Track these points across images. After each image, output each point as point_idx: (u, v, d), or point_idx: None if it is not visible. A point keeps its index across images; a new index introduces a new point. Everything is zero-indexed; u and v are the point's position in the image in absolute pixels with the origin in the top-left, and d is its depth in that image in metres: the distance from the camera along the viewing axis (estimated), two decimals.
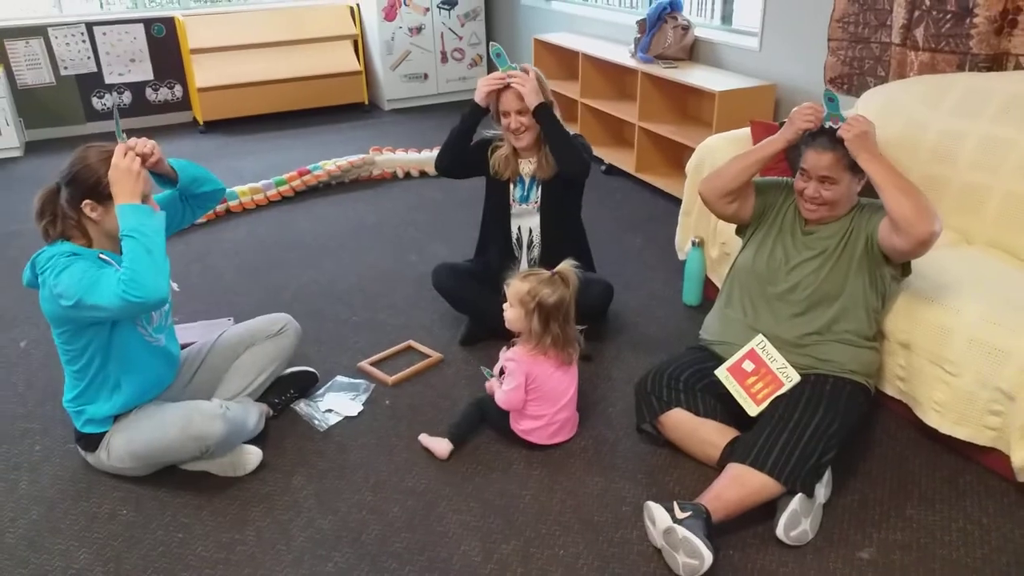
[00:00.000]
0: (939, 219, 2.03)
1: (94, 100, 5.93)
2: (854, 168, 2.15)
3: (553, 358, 2.30)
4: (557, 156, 2.72)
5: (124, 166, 1.96)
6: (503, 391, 2.32)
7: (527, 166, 2.83)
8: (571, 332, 2.32)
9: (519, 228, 2.91)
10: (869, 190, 2.17)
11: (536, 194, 2.84)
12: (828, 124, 2.14)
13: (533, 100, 2.66)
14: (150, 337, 2.23)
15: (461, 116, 2.79)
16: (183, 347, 2.49)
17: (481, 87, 2.71)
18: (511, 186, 2.86)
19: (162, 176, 2.17)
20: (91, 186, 1.99)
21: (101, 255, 2.06)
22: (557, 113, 2.72)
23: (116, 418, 2.21)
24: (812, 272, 2.23)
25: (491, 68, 6.70)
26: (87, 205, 2.01)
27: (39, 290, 2.04)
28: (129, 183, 1.96)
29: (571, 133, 2.79)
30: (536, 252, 2.91)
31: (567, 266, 2.32)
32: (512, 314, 2.33)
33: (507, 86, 2.68)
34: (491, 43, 2.79)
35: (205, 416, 2.13)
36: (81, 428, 2.22)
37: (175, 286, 2.38)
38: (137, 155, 2.00)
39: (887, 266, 2.19)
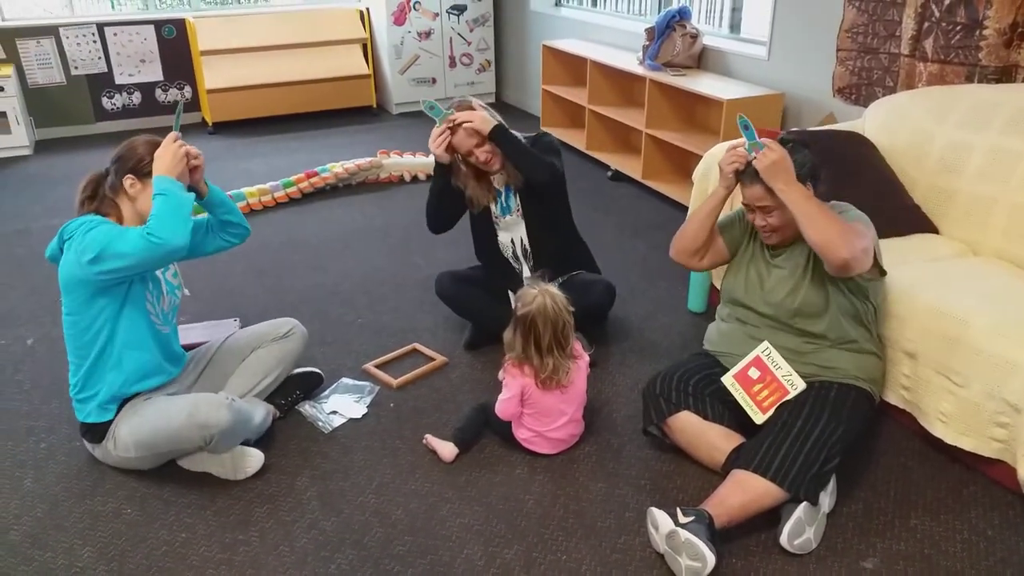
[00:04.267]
0: (851, 244, 2.00)
1: (104, 100, 5.96)
2: None
3: (531, 376, 2.27)
4: (523, 170, 2.70)
5: (171, 148, 2.12)
6: (499, 399, 2.33)
7: (498, 179, 2.82)
8: (556, 362, 2.25)
9: (511, 240, 2.90)
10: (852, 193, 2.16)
11: (515, 202, 2.84)
12: (752, 155, 2.13)
13: (487, 127, 2.64)
14: (156, 318, 2.25)
15: (433, 180, 2.78)
16: (189, 348, 2.50)
17: (435, 148, 2.66)
18: (491, 206, 2.86)
19: (194, 189, 2.26)
20: (135, 163, 2.15)
21: None
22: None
23: (120, 407, 2.22)
24: (788, 294, 2.21)
25: (500, 76, 6.72)
26: (128, 179, 2.14)
27: (61, 259, 2.13)
28: (171, 161, 2.11)
29: (537, 132, 2.81)
30: (531, 258, 2.91)
31: (554, 291, 2.27)
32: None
33: (455, 130, 2.65)
34: (422, 100, 2.72)
35: (211, 404, 2.14)
36: (85, 419, 2.23)
37: (185, 291, 2.42)
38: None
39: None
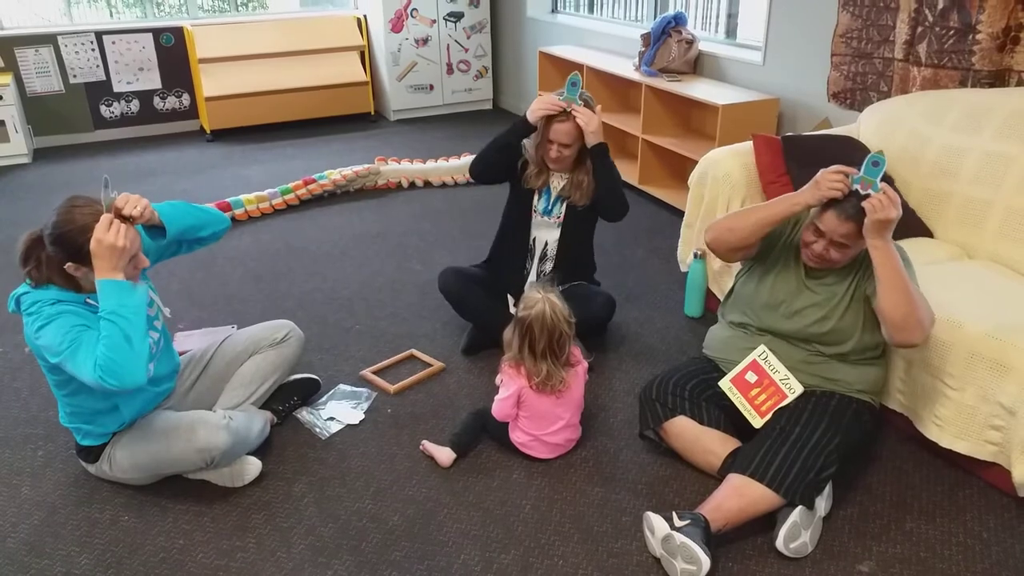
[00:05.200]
0: (926, 328, 1.99)
1: (102, 108, 5.97)
2: None
3: (525, 377, 2.28)
4: (604, 200, 2.72)
5: (108, 242, 1.87)
6: (496, 398, 2.34)
7: (557, 181, 2.83)
8: (549, 369, 2.26)
9: (534, 239, 2.91)
10: None
11: (560, 210, 2.84)
12: (857, 187, 1.96)
13: (594, 140, 2.65)
14: None
15: (510, 128, 2.76)
16: (183, 353, 2.49)
17: (538, 108, 2.65)
18: (536, 196, 2.87)
19: (152, 228, 2.08)
20: (75, 250, 1.92)
21: (88, 299, 2.01)
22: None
23: (116, 431, 2.21)
24: (817, 322, 2.16)
25: (497, 82, 6.74)
26: (70, 266, 1.96)
27: (23, 323, 2.01)
28: (111, 259, 1.88)
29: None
30: (548, 265, 2.92)
31: (556, 299, 2.27)
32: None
33: (565, 116, 2.63)
34: (573, 72, 2.69)
35: (209, 428, 2.13)
36: (81, 441, 2.22)
37: (166, 311, 2.29)
38: (125, 218, 1.91)
39: None
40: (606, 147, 2.69)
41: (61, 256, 1.95)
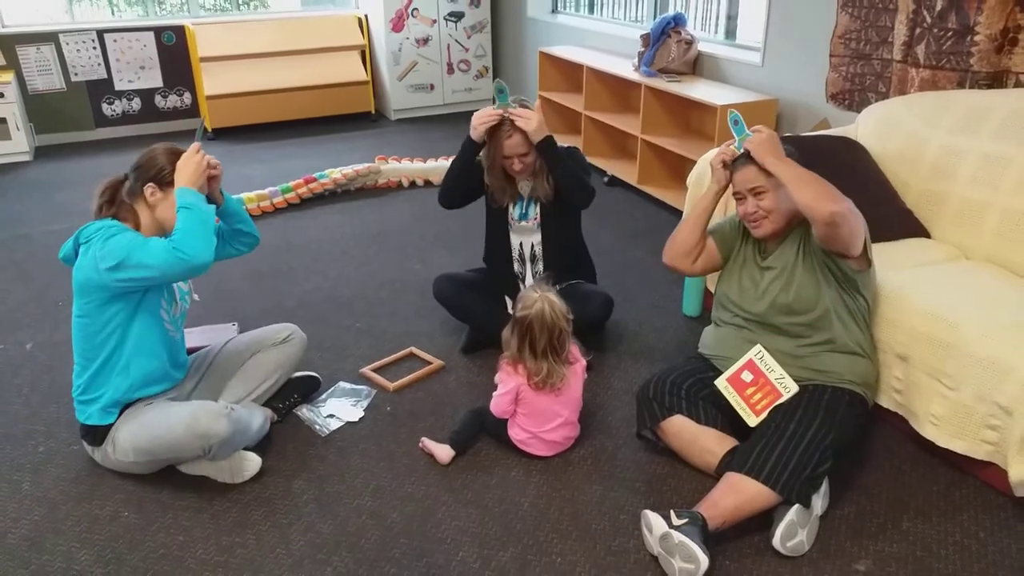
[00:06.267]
0: (840, 200, 2.04)
1: (103, 106, 5.99)
2: None
3: (523, 375, 2.30)
4: (564, 190, 2.72)
5: (195, 160, 2.17)
6: (495, 395, 2.36)
7: (525, 186, 2.84)
8: (550, 367, 2.27)
9: (520, 244, 2.92)
10: None
11: (535, 211, 2.85)
12: (741, 148, 2.24)
13: (539, 136, 2.63)
14: (169, 324, 2.28)
15: (460, 151, 2.76)
16: (189, 352, 2.51)
17: (478, 124, 2.65)
18: (510, 206, 2.88)
19: (210, 198, 2.27)
20: (156, 172, 2.18)
21: None
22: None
23: (121, 411, 2.23)
24: (781, 290, 2.23)
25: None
26: (149, 187, 2.17)
27: (76, 260, 2.14)
28: (193, 173, 2.16)
29: (568, 148, 2.78)
30: (540, 265, 2.93)
31: (554, 298, 2.29)
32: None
33: (510, 128, 2.63)
34: (496, 79, 2.72)
35: (211, 414, 2.15)
36: (86, 421, 2.25)
37: (195, 296, 2.45)
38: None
39: (845, 261, 2.18)
40: (551, 140, 2.67)
41: (142, 179, 2.18)
